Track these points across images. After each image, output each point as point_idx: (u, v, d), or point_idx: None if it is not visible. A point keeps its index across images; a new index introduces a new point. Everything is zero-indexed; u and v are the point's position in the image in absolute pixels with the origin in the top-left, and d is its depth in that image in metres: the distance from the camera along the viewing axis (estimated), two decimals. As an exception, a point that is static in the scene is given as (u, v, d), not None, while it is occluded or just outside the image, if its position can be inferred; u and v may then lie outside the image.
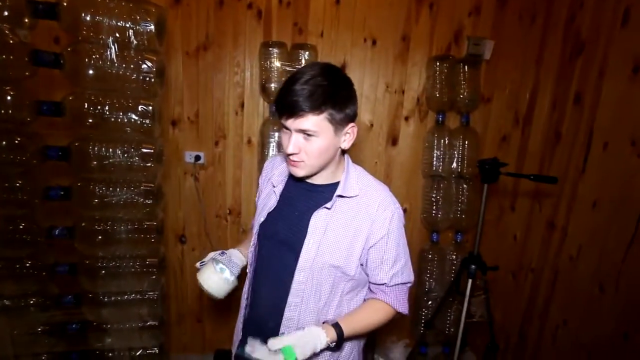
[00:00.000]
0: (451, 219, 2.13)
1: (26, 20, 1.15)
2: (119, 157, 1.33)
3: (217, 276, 1.09)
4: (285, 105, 0.91)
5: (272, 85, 1.92)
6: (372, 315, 1.04)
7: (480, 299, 1.68)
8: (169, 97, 1.94)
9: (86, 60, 1.17)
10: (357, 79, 2.05)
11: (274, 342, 0.91)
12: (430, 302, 2.19)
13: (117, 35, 1.18)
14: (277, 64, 1.90)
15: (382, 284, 1.02)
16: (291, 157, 0.96)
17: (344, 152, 1.05)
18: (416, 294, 2.23)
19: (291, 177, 1.07)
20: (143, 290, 1.55)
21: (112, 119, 1.27)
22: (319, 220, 0.99)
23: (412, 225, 2.25)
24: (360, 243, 0.99)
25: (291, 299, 1.01)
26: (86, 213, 1.38)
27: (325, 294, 1.01)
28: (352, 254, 0.99)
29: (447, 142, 2.08)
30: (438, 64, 2.01)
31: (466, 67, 2.01)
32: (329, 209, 1.00)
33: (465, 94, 2.03)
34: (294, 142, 0.93)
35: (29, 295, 1.44)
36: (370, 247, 1.00)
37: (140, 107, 1.30)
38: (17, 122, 1.22)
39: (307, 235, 0.99)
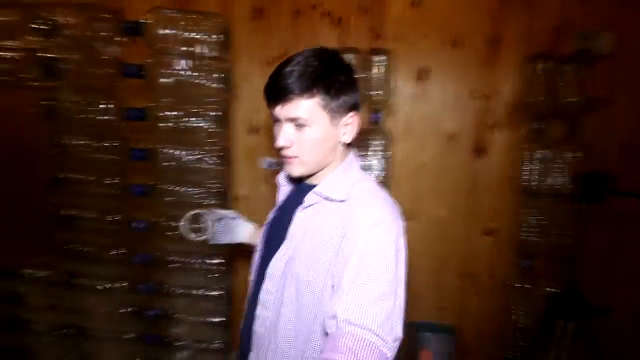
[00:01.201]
0: (548, 244, 1.80)
1: (117, 39, 1.32)
2: (190, 159, 1.44)
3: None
4: (272, 90, 0.80)
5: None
6: None
7: (579, 347, 1.35)
8: (246, 105, 2.04)
9: (162, 70, 1.30)
10: (438, 84, 1.89)
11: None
12: (518, 343, 1.87)
13: (189, 46, 1.28)
14: (350, 70, 1.86)
15: (332, 317, 0.70)
16: (283, 152, 0.84)
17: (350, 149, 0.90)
18: (500, 331, 1.93)
19: (293, 179, 0.94)
20: (209, 287, 1.64)
21: (185, 124, 1.38)
22: (297, 224, 0.86)
23: (498, 249, 1.97)
24: (328, 254, 0.78)
25: (259, 310, 0.89)
26: (161, 210, 1.52)
27: (303, 316, 0.81)
28: (318, 267, 0.79)
29: (546, 154, 1.77)
30: (535, 64, 1.73)
31: (573, 66, 1.69)
32: (305, 207, 0.86)
33: (571, 97, 1.71)
34: (284, 134, 0.81)
35: (116, 280, 1.63)
36: (337, 264, 0.76)
37: (209, 112, 1.39)
38: (109, 127, 1.41)
39: (285, 240, 0.86)
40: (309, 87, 0.77)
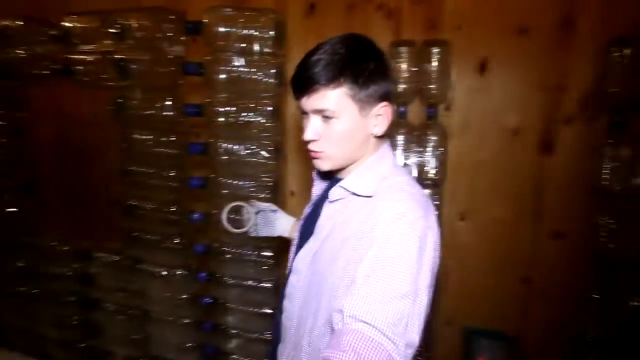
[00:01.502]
0: (630, 251, 1.60)
1: (182, 38, 1.39)
2: (245, 153, 1.48)
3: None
4: (297, 81, 0.77)
5: (400, 86, 1.82)
6: None
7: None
8: (285, 106, 2.05)
9: (219, 67, 1.35)
10: (501, 76, 1.76)
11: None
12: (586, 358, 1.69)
13: (245, 43, 1.32)
14: (404, 64, 1.80)
15: (338, 312, 0.66)
16: (310, 146, 0.80)
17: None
18: (566, 344, 1.77)
19: (327, 174, 0.90)
20: (260, 279, 1.68)
21: (240, 119, 1.42)
22: (324, 218, 0.83)
23: (567, 255, 1.79)
24: (349, 250, 0.74)
25: (285, 303, 0.89)
26: (217, 202, 1.59)
27: (320, 314, 0.78)
28: (339, 264, 0.75)
29: (627, 150, 1.58)
30: (615, 50, 1.55)
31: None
32: (331, 201, 0.82)
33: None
34: (310, 127, 0.77)
35: (176, 267, 1.73)
36: (357, 260, 0.71)
37: (263, 107, 1.42)
38: (171, 122, 1.49)
39: (312, 235, 0.84)
40: (335, 76, 0.73)
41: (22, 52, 1.63)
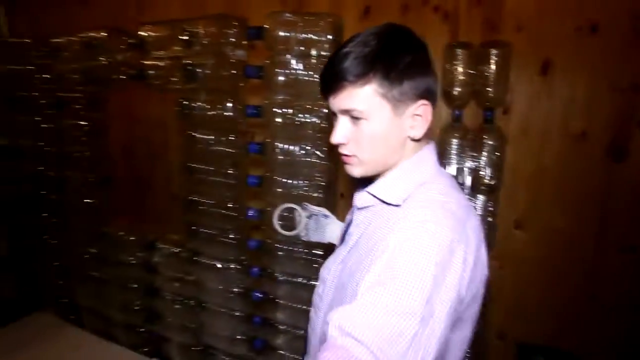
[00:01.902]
0: None
1: (244, 43, 1.48)
2: (301, 153, 1.53)
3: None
4: (324, 78, 0.70)
5: (456, 89, 1.79)
6: None
7: None
8: None
9: (278, 69, 1.41)
10: (566, 78, 1.67)
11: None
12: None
13: (304, 46, 1.37)
14: (460, 67, 1.76)
15: (326, 322, 0.58)
16: (339, 150, 0.73)
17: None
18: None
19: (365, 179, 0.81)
20: (310, 276, 1.72)
21: (297, 120, 1.47)
22: (354, 227, 0.78)
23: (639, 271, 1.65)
24: (369, 262, 0.68)
25: (312, 313, 0.85)
26: (272, 200, 1.65)
27: None
28: (362, 276, 0.65)
29: None
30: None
31: None
32: (359, 209, 0.77)
33: None
34: (338, 129, 0.70)
35: (230, 261, 1.81)
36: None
37: (319, 108, 1.46)
38: (232, 123, 1.58)
39: (342, 243, 0.80)
40: (364, 72, 0.65)
41: (104, 59, 1.81)
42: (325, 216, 1.13)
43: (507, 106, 1.75)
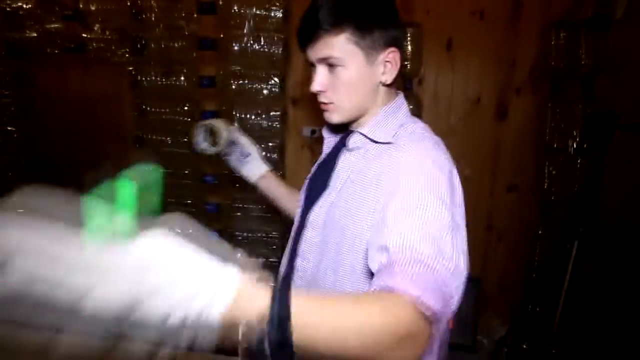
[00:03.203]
0: (567, 193, 1.99)
1: (195, 16, 1.57)
2: (253, 119, 1.69)
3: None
4: (301, 30, 0.75)
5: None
6: (356, 310, 0.45)
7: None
8: (290, 78, 2.27)
9: (232, 43, 1.54)
10: (464, 53, 2.08)
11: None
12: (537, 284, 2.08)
13: (255, 21, 1.52)
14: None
15: (380, 250, 0.58)
16: (318, 98, 0.79)
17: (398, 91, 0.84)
18: (522, 280, 2.14)
19: (338, 129, 0.88)
20: (266, 231, 1.90)
21: (250, 88, 1.62)
22: (341, 168, 0.81)
23: (523, 204, 2.16)
24: (371, 196, 0.73)
25: (298, 262, 0.84)
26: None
27: (341, 269, 0.75)
28: (361, 211, 0.73)
29: (563, 112, 1.95)
30: (554, 30, 1.90)
31: (589, 30, 1.86)
32: (349, 149, 0.81)
33: (586, 60, 1.88)
34: (317, 77, 0.76)
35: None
36: (383, 205, 0.67)
37: (270, 78, 1.63)
38: (186, 93, 1.67)
39: (328, 186, 0.81)
40: (337, 21, 0.70)
41: (32, 31, 1.72)
42: (249, 153, 1.10)
43: (421, 77, 2.10)
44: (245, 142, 1.09)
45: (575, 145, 1.93)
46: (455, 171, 0.73)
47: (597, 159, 1.52)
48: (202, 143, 1.06)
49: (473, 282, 2.14)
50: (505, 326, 2.26)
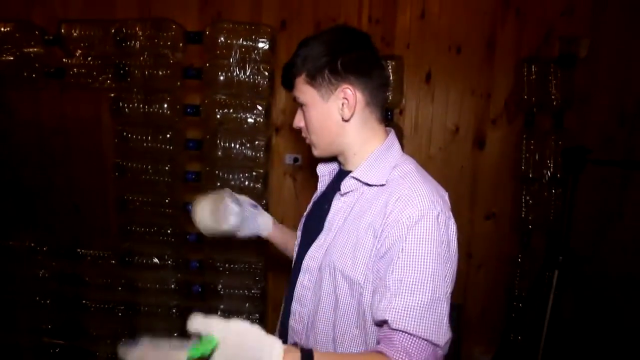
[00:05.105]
0: (543, 221, 2.06)
1: (181, 45, 1.57)
2: (237, 148, 1.67)
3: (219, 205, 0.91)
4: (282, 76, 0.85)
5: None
6: None
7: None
8: (274, 107, 2.28)
9: (218, 72, 1.55)
10: (443, 85, 2.16)
11: (195, 322, 0.58)
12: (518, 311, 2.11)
13: (241, 51, 1.54)
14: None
15: (383, 322, 0.70)
16: (302, 135, 0.87)
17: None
18: (503, 305, 2.17)
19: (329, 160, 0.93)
20: (250, 262, 1.85)
21: (234, 117, 1.61)
22: (335, 212, 0.82)
23: (499, 231, 2.21)
24: (368, 243, 0.74)
25: (294, 306, 0.85)
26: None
27: (341, 311, 0.77)
28: (357, 257, 0.75)
29: (537, 143, 2.04)
30: (526, 66, 2.01)
31: (557, 67, 1.98)
32: (342, 194, 0.81)
33: (556, 94, 1.99)
34: (296, 116, 0.85)
35: (167, 257, 1.84)
36: (380, 258, 0.72)
37: (255, 107, 1.63)
38: (170, 121, 1.65)
39: (323, 230, 0.82)
40: (298, 65, 0.79)
41: (9, 55, 1.67)
42: (254, 206, 1.04)
43: (402, 107, 2.17)
44: (244, 198, 1.04)
45: (549, 175, 2.01)
46: (450, 217, 0.76)
47: (571, 190, 1.59)
48: (212, 223, 0.94)
49: (455, 309, 2.15)
50: (487, 354, 2.27)
